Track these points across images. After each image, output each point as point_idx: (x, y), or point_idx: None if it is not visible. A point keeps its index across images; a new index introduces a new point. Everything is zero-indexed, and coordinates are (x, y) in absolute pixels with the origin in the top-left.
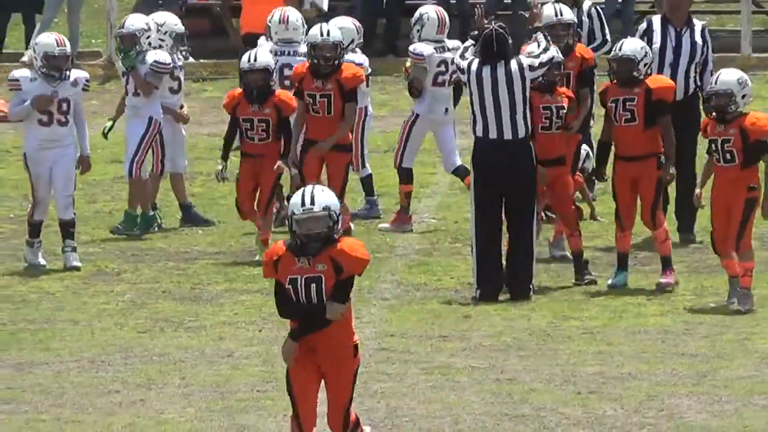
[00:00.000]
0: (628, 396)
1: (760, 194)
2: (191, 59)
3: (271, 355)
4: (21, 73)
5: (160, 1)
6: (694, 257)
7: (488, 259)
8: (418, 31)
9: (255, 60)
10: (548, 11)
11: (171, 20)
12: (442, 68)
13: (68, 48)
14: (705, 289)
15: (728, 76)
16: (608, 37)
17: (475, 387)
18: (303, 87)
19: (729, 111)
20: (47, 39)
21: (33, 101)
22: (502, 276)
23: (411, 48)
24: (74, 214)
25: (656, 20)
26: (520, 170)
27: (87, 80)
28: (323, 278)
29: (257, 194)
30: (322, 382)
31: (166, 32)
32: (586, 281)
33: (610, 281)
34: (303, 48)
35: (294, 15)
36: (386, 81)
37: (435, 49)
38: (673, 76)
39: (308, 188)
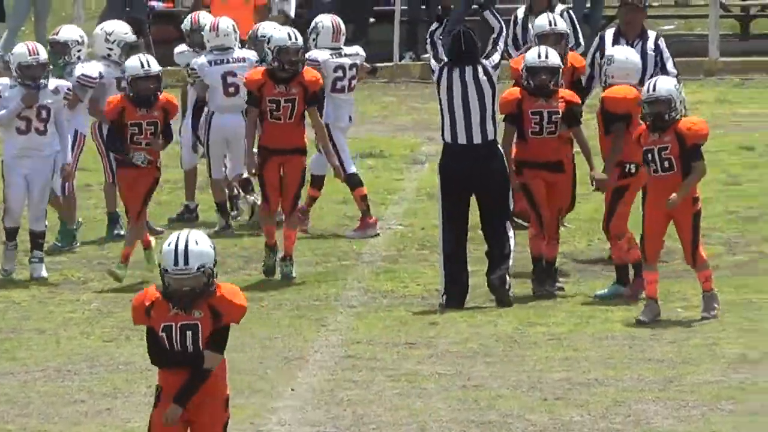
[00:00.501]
0: (594, 402)
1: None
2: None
3: (236, 362)
4: (0, 80)
5: (128, 8)
6: (659, 263)
7: (455, 266)
8: (314, 39)
9: (149, 66)
10: (542, 21)
11: (121, 29)
12: (340, 74)
13: (42, 56)
14: (672, 294)
15: (666, 83)
16: (581, 41)
17: (442, 394)
18: (264, 93)
19: (666, 118)
20: (20, 49)
21: (22, 98)
22: (469, 282)
23: (307, 55)
24: (46, 225)
25: (609, 34)
26: (491, 173)
27: (69, 89)
28: (200, 326)
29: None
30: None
31: (114, 41)
32: (556, 289)
33: (599, 292)
34: (238, 53)
35: (225, 22)
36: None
37: (331, 55)
38: (604, 82)
39: (182, 242)
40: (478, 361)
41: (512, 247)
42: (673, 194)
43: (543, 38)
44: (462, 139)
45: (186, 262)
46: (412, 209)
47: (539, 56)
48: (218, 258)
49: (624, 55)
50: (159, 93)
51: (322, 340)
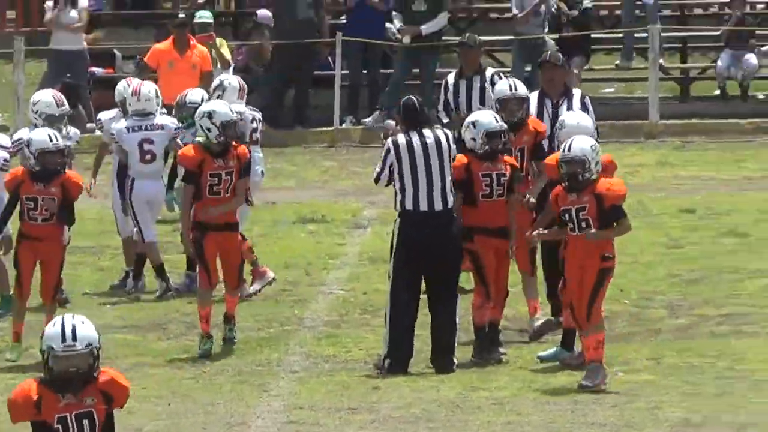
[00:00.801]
0: None
1: (615, 264)
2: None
3: (180, 428)
4: None
5: (68, 74)
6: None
7: (403, 331)
8: (219, 96)
9: (57, 140)
10: (502, 86)
11: (45, 100)
12: (254, 125)
13: None
14: (613, 358)
15: (582, 143)
16: None
17: None
18: (204, 169)
19: (581, 179)
20: None
21: None
22: (413, 348)
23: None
24: None
25: (534, 96)
26: (450, 242)
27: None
28: (95, 413)
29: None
30: None
31: (37, 111)
32: (499, 355)
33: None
34: (158, 120)
35: (147, 87)
36: (295, 152)
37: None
38: (553, 147)
39: (68, 321)
40: (421, 426)
41: (458, 319)
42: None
43: (504, 102)
44: (423, 206)
45: (74, 339)
46: (354, 274)
47: (510, 89)
48: (160, 323)
49: (575, 120)
50: (63, 169)
51: (264, 406)
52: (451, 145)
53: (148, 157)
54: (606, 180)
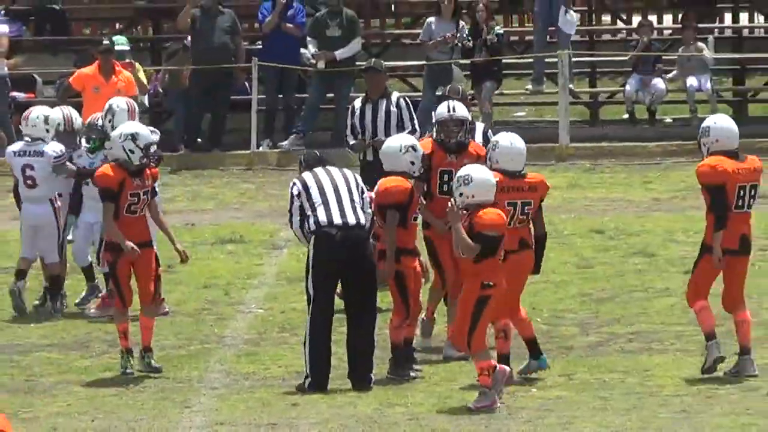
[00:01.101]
0: None
1: (495, 293)
2: None
3: None
4: None
5: None
6: (516, 342)
7: (321, 349)
8: (110, 121)
9: None
10: (442, 108)
11: None
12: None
13: None
14: (527, 374)
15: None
16: (417, 125)
17: None
18: (125, 188)
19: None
20: None
21: None
22: (331, 365)
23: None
24: None
25: (357, 101)
26: (365, 259)
27: None
28: None
29: None
30: None
31: None
32: (414, 372)
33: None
34: (40, 146)
35: (36, 112)
36: (213, 175)
37: None
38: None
39: None
40: None
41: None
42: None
43: (442, 124)
44: (337, 220)
45: None
46: (272, 293)
47: (448, 110)
48: (83, 341)
49: (509, 140)
50: None
51: (186, 422)
52: (356, 176)
53: (29, 182)
54: (487, 210)
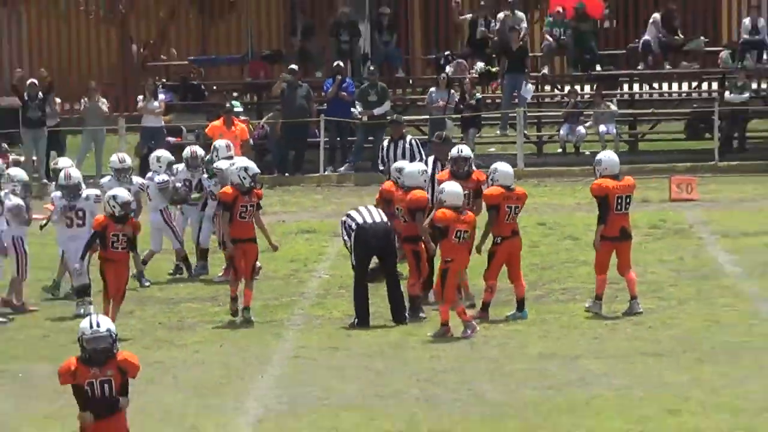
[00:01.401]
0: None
1: (453, 264)
2: None
3: (232, 359)
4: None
5: (152, 142)
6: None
7: (362, 301)
8: (216, 155)
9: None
10: (454, 150)
11: (114, 158)
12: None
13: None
14: (498, 316)
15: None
16: (424, 157)
17: (352, 374)
18: (237, 202)
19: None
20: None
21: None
22: (369, 311)
23: (215, 165)
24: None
25: (386, 141)
26: (389, 242)
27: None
28: (113, 380)
29: None
30: None
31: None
32: (423, 316)
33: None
34: (155, 176)
35: (157, 154)
36: (296, 189)
37: (231, 164)
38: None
39: (93, 317)
40: (376, 357)
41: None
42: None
43: (454, 160)
44: (369, 220)
45: (98, 326)
46: (334, 265)
47: (458, 152)
48: (213, 296)
49: (504, 167)
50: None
51: (280, 347)
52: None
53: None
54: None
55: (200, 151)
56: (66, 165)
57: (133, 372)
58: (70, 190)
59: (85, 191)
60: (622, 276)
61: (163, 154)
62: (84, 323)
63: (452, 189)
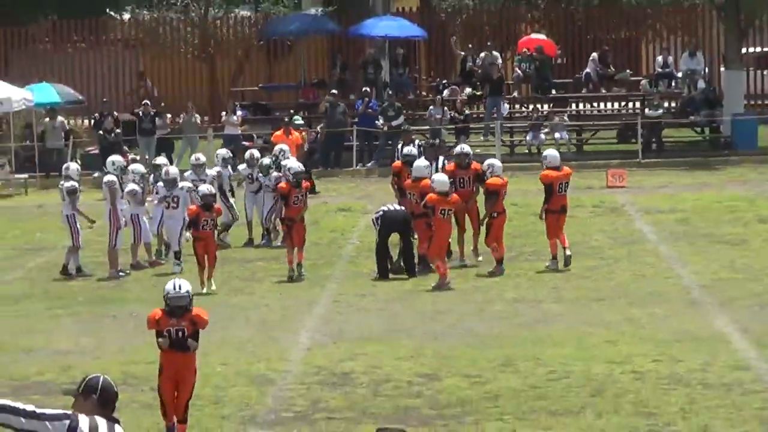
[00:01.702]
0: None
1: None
2: None
3: (289, 303)
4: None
5: (232, 145)
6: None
7: (383, 258)
8: (283, 155)
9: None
10: (457, 149)
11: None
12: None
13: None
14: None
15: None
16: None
17: (374, 312)
18: (291, 193)
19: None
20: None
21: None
22: (388, 267)
23: (284, 163)
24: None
25: (400, 144)
26: (407, 221)
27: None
28: (185, 329)
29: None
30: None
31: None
32: (431, 271)
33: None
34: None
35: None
36: (335, 180)
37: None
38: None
39: (177, 280)
40: (395, 302)
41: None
42: None
43: (458, 156)
44: (392, 208)
45: (180, 288)
46: (363, 234)
47: (461, 149)
48: (275, 256)
49: (498, 163)
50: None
51: (323, 294)
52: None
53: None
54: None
55: (256, 153)
56: (162, 163)
57: (203, 325)
58: (169, 182)
59: (180, 183)
60: (556, 238)
61: (223, 154)
62: (169, 284)
63: (440, 179)
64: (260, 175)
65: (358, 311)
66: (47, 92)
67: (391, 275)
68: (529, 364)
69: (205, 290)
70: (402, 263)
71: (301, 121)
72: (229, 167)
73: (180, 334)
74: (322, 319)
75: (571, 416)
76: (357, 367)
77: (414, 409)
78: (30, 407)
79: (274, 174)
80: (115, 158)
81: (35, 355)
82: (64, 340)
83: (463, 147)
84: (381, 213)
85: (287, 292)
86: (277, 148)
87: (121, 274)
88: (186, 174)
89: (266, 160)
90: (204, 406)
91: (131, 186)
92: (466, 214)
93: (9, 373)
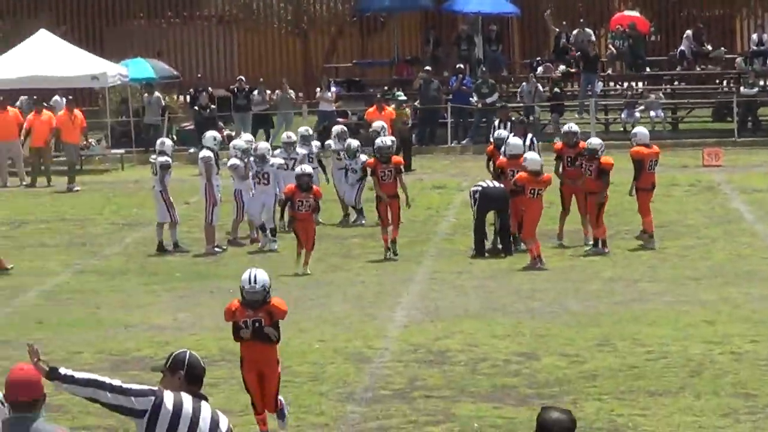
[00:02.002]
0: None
1: (528, 212)
2: None
3: (385, 280)
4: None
5: (326, 122)
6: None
7: (480, 236)
8: (382, 132)
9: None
10: (565, 127)
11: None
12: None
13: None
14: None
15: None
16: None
17: (479, 294)
18: (378, 169)
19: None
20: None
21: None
22: (485, 245)
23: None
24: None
25: (496, 121)
26: (505, 198)
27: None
28: (263, 320)
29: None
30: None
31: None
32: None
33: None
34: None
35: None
36: (432, 156)
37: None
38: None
39: (252, 273)
40: (489, 280)
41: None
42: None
43: (565, 134)
44: (488, 185)
45: (255, 282)
46: (458, 211)
47: (568, 128)
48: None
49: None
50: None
51: (419, 271)
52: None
53: None
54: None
55: (345, 129)
56: (247, 139)
57: (281, 315)
58: (258, 158)
59: (271, 160)
60: (649, 215)
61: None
62: (245, 276)
63: (532, 157)
64: (346, 157)
65: (454, 288)
66: (142, 68)
67: (487, 255)
68: (626, 343)
69: (300, 272)
70: (498, 243)
71: (404, 97)
72: (312, 144)
73: (257, 324)
74: (419, 296)
75: (669, 396)
76: (454, 345)
77: (512, 387)
78: (117, 382)
79: (362, 157)
80: (215, 134)
81: (133, 330)
82: (161, 316)
83: (571, 126)
84: (479, 188)
85: (383, 269)
86: (377, 124)
87: (217, 249)
88: (276, 152)
89: (354, 143)
90: (302, 383)
91: (233, 161)
92: (573, 195)
93: (107, 348)
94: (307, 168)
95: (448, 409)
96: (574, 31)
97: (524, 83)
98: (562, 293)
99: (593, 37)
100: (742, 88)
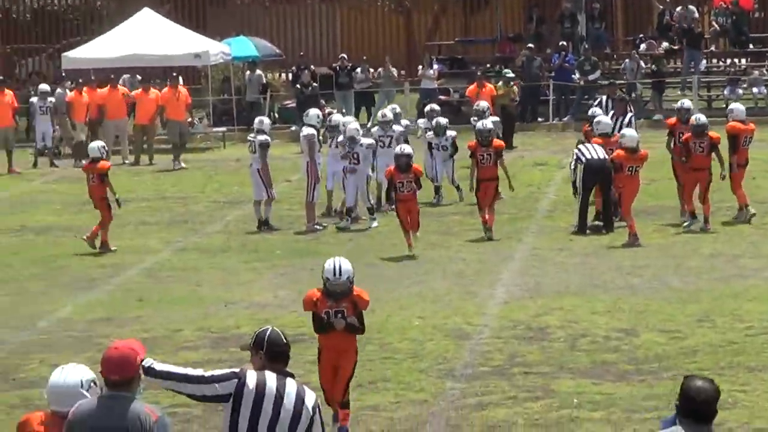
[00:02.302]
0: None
1: (625, 189)
2: None
3: (486, 257)
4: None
5: (429, 100)
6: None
7: (583, 214)
8: (401, 117)
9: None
10: (678, 104)
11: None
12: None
13: None
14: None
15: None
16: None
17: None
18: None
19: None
20: None
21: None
22: (587, 221)
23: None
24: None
25: (604, 97)
26: (608, 174)
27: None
28: (345, 311)
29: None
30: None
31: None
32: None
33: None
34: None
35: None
36: (534, 134)
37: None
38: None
39: (337, 263)
40: (590, 257)
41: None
42: None
43: (678, 111)
44: (595, 156)
45: (340, 274)
46: (559, 188)
47: (680, 104)
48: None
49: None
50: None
51: (520, 248)
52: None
53: None
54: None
55: (436, 107)
56: (339, 119)
57: (364, 306)
58: (349, 138)
59: (361, 140)
60: (741, 189)
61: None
62: (329, 266)
63: (629, 134)
64: (431, 134)
65: (555, 265)
66: (245, 46)
67: (588, 231)
68: (726, 319)
69: (410, 252)
70: (599, 220)
71: (512, 74)
72: (401, 123)
73: (339, 315)
74: (519, 272)
75: None
76: (553, 321)
77: (611, 364)
78: (198, 372)
79: (450, 133)
80: (318, 111)
81: (233, 307)
82: (261, 293)
83: (683, 102)
84: (585, 161)
85: (483, 246)
86: (483, 104)
87: (317, 227)
88: (373, 130)
89: (443, 120)
90: (402, 359)
91: (309, 130)
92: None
93: (208, 325)
94: (407, 148)
95: (547, 385)
96: (678, 8)
97: (626, 60)
98: (663, 269)
99: (696, 14)
100: None
